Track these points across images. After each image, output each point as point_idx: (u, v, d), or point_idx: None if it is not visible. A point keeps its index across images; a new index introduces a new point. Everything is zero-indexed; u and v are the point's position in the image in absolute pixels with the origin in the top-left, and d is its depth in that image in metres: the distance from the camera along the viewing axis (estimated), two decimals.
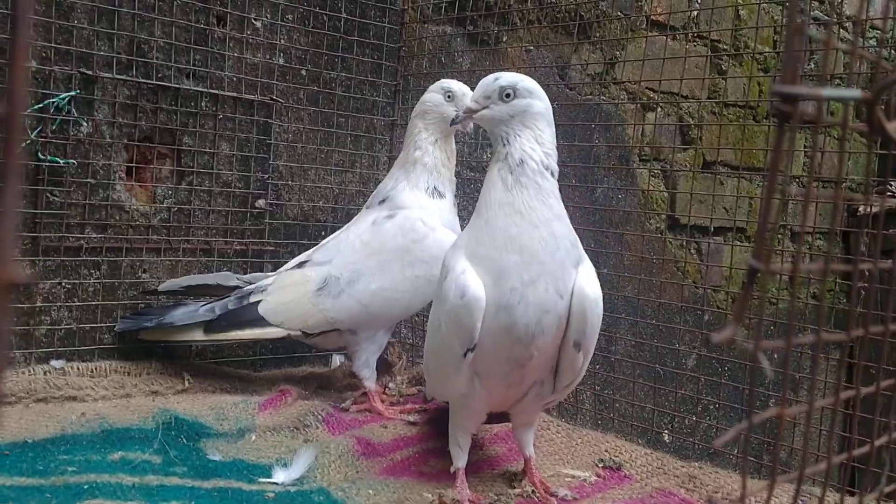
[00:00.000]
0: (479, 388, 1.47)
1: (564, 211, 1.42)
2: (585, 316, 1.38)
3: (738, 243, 3.03)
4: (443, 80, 1.93)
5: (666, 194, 3.15)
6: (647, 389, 2.45)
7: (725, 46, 3.23)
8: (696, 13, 3.18)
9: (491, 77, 1.41)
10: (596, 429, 1.97)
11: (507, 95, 1.39)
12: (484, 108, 1.41)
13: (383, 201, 1.98)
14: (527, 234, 1.36)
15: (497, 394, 1.49)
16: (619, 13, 2.92)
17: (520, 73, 2.60)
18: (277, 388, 1.99)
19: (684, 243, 3.21)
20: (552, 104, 2.74)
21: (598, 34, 2.88)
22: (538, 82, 2.67)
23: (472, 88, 2.48)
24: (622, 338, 2.68)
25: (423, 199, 1.94)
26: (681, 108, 3.15)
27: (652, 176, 3.10)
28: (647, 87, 2.99)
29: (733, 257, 2.62)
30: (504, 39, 2.64)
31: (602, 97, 2.98)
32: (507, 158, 1.39)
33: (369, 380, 1.98)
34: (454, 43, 2.52)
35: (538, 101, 1.42)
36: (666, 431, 2.72)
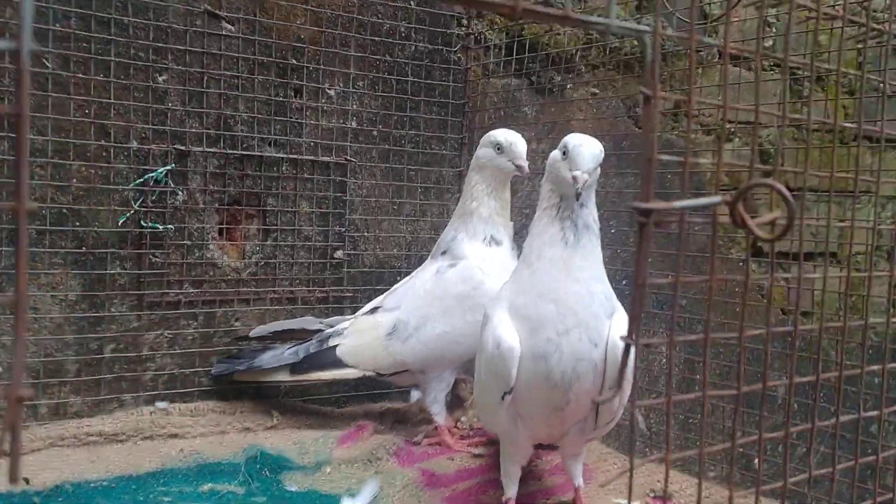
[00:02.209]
0: (522, 426, 1.59)
1: (602, 268, 1.53)
2: (614, 364, 1.48)
3: (830, 266, 3.00)
4: (491, 133, 2.07)
5: None
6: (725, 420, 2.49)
7: (804, 72, 3.23)
8: (772, 42, 3.20)
9: (596, 147, 1.48)
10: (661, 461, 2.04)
11: (598, 166, 1.50)
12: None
13: (445, 252, 2.13)
14: (565, 287, 1.48)
15: (539, 432, 1.61)
16: (687, 50, 2.99)
17: (586, 116, 2.75)
18: (356, 424, 2.17)
19: (768, 270, 3.20)
20: (622, 143, 2.85)
21: (666, 71, 2.96)
22: (606, 122, 2.82)
23: (534, 137, 2.65)
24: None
25: (480, 249, 2.07)
26: (759, 137, 3.18)
27: None
28: (721, 119, 3.02)
29: (826, 282, 2.62)
30: (568, 86, 2.77)
31: (674, 132, 3.05)
32: (575, 219, 1.49)
33: (439, 415, 2.13)
34: (518, 94, 2.67)
35: None
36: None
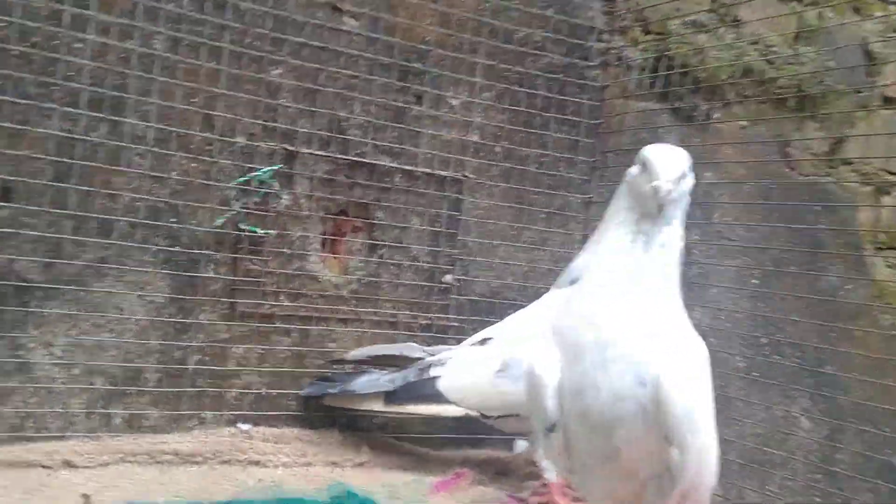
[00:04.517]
0: (588, 479, 1.34)
1: (677, 297, 1.27)
2: (662, 407, 1.20)
3: None
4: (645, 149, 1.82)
5: None
6: None
7: None
8: None
9: (680, 158, 1.28)
10: None
11: (684, 175, 1.28)
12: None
13: (573, 282, 1.89)
14: (611, 310, 1.23)
15: (608, 486, 1.34)
16: (847, 88, 2.67)
17: (733, 151, 2.47)
18: (453, 471, 1.93)
19: None
20: (771, 183, 2.55)
21: (823, 110, 2.66)
22: (755, 160, 2.53)
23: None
24: (846, 448, 2.36)
25: None
26: None
27: (888, 266, 2.76)
28: (881, 169, 2.70)
29: None
30: (715, 116, 2.49)
31: (828, 177, 2.72)
32: (654, 235, 1.26)
33: (550, 471, 1.86)
34: (659, 119, 2.42)
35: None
36: None
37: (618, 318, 1.23)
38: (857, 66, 2.67)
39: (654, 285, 1.25)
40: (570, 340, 1.27)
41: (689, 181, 1.28)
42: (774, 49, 2.57)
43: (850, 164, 2.77)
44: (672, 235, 1.27)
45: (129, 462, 1.73)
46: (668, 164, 1.26)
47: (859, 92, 2.74)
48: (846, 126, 2.73)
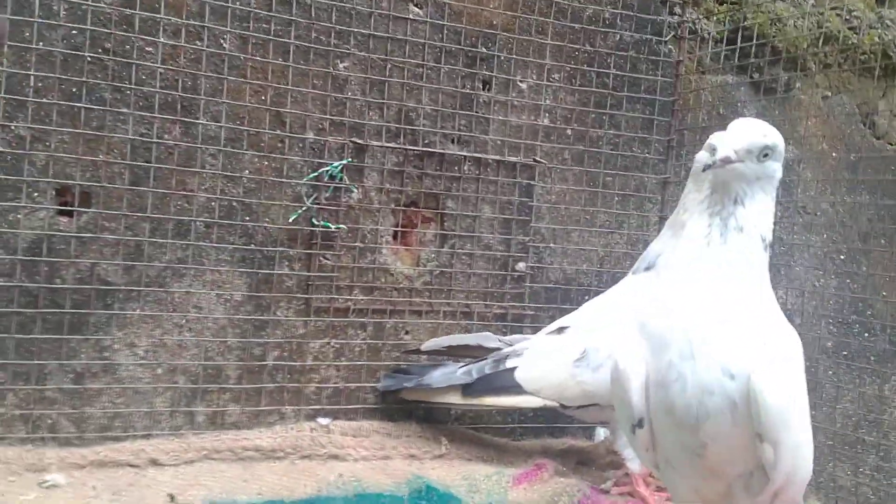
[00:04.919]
0: (673, 476, 1.29)
1: (765, 285, 1.23)
2: (753, 402, 1.15)
3: None
4: (713, 135, 1.75)
5: None
6: None
7: None
8: None
9: (759, 131, 1.21)
10: None
11: (766, 155, 1.21)
12: (740, 161, 1.23)
13: (649, 268, 1.83)
14: (696, 298, 1.19)
15: (692, 485, 1.28)
16: None
17: (815, 122, 2.36)
18: (533, 462, 1.91)
19: None
20: (853, 155, 2.43)
21: None
22: (837, 131, 2.41)
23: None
24: None
25: None
26: None
27: None
28: None
29: None
30: (797, 86, 2.39)
31: None
32: (727, 217, 1.21)
33: (632, 460, 1.82)
34: (736, 93, 2.32)
35: (781, 166, 1.24)
36: None
37: (703, 308, 1.19)
38: None
39: (737, 272, 1.20)
40: (654, 332, 1.23)
41: (773, 164, 1.22)
42: (857, 14, 2.44)
43: None
44: (748, 218, 1.21)
45: (213, 459, 1.76)
46: (737, 134, 1.21)
47: None
48: None
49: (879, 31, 2.45)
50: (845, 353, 2.40)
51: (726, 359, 1.17)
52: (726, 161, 1.20)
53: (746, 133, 1.22)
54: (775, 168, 1.23)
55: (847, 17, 2.41)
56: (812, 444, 1.27)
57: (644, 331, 1.26)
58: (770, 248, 1.24)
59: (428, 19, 2.00)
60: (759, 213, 1.22)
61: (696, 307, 1.19)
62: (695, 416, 1.18)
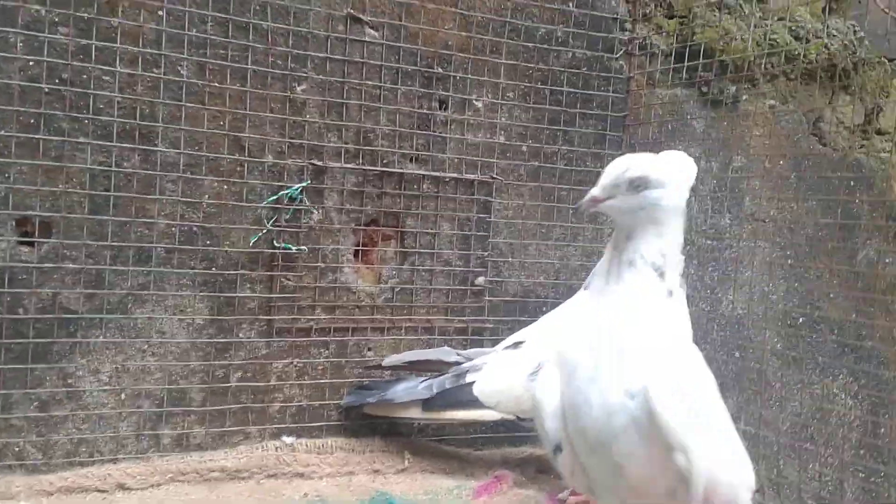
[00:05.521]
0: (606, 498, 1.35)
1: (663, 309, 1.27)
2: (653, 414, 1.19)
3: None
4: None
5: None
6: None
7: None
8: None
9: (622, 166, 1.26)
10: None
11: (637, 187, 1.25)
12: (609, 197, 1.28)
13: (587, 287, 1.89)
14: (604, 330, 1.25)
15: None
16: (883, 58, 2.61)
17: (763, 132, 2.43)
18: (493, 473, 1.96)
19: None
20: (803, 161, 2.51)
21: (856, 82, 2.60)
22: (785, 138, 2.49)
23: (704, 153, 2.35)
24: (889, 423, 2.35)
25: None
26: None
27: None
28: None
29: None
30: (743, 98, 2.45)
31: (862, 150, 2.67)
32: (622, 252, 1.27)
33: None
34: (686, 106, 2.39)
35: (672, 193, 1.26)
36: None
37: (606, 337, 1.25)
38: (891, 34, 2.60)
39: (632, 304, 1.25)
40: (566, 358, 1.30)
41: (652, 192, 1.24)
42: (802, 24, 2.52)
43: (884, 134, 2.72)
44: (638, 250, 1.26)
45: (179, 481, 1.79)
46: (605, 172, 1.27)
47: (892, 60, 2.68)
48: (881, 96, 2.67)
49: (825, 40, 2.52)
50: (794, 353, 2.48)
51: (626, 379, 1.22)
52: (593, 200, 1.27)
53: (610, 170, 1.28)
54: (657, 196, 1.25)
55: (793, 28, 2.48)
56: (737, 443, 1.31)
57: (559, 359, 1.33)
58: (677, 269, 1.27)
59: (384, 41, 2.02)
60: (648, 243, 1.26)
61: (600, 336, 1.26)
62: (605, 436, 1.23)
